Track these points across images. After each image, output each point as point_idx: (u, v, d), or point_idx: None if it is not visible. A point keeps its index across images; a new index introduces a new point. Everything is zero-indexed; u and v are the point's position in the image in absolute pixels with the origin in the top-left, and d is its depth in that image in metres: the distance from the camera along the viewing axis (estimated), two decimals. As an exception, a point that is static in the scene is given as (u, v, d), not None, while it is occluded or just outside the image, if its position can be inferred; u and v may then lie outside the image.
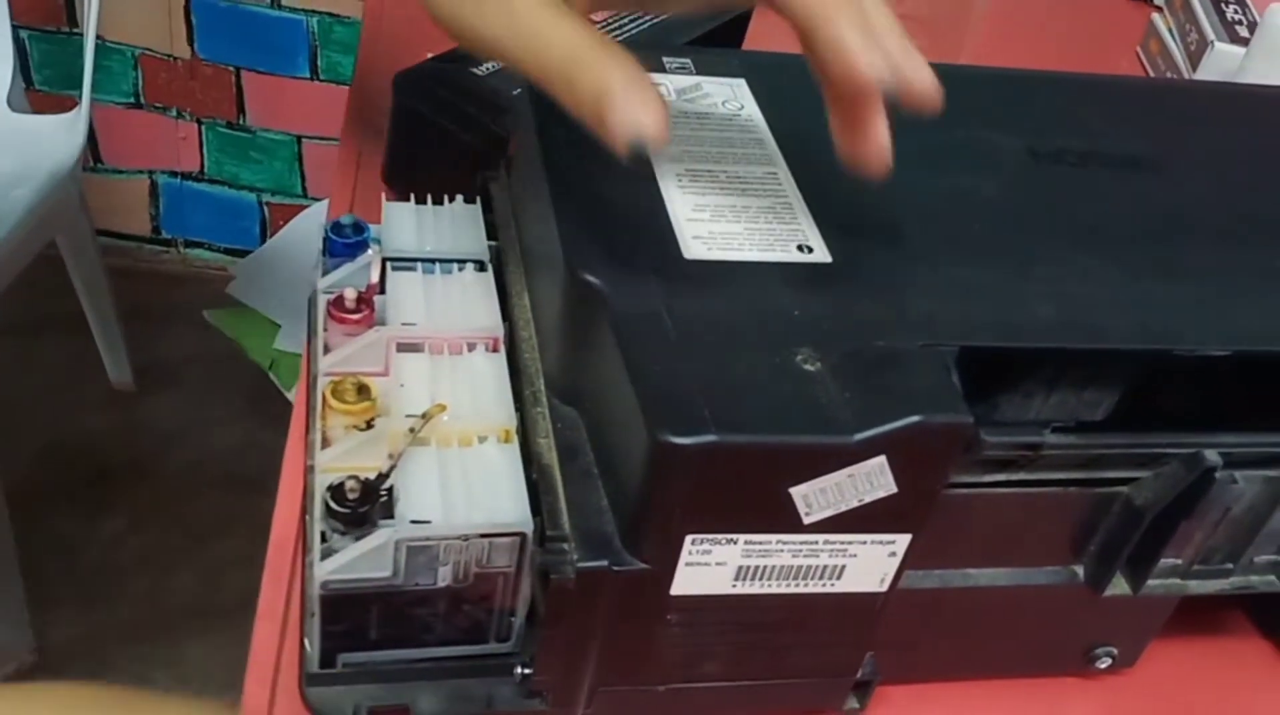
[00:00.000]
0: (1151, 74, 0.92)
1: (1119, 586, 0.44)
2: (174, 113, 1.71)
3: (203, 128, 1.73)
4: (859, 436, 0.36)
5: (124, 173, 1.77)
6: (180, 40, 1.65)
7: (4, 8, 1.32)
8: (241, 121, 1.72)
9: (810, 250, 0.42)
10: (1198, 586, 0.44)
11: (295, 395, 1.30)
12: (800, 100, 0.51)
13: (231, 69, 1.67)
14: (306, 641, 0.43)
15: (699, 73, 0.51)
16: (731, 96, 0.50)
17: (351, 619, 0.40)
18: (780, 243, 0.42)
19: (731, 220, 0.43)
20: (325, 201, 1.45)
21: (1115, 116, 0.53)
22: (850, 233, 0.43)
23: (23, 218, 1.21)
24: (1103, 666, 0.47)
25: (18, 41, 1.42)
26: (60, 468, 1.58)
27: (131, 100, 1.70)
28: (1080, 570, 0.44)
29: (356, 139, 0.68)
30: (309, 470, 0.45)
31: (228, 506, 1.56)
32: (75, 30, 1.64)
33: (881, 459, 0.36)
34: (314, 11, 1.62)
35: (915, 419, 0.36)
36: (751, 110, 0.49)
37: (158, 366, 1.70)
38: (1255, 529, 0.43)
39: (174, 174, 1.78)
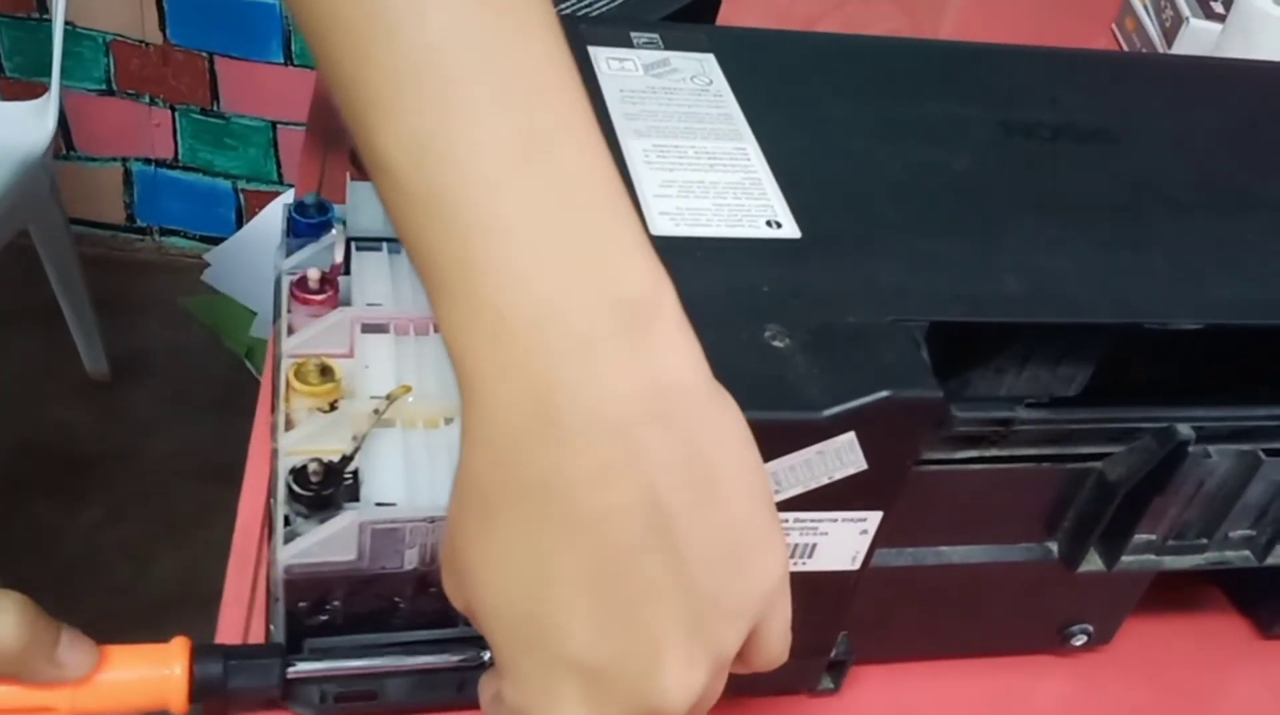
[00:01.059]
0: (1126, 50, 0.91)
1: (1093, 563, 0.44)
2: (147, 99, 1.70)
3: (176, 114, 1.71)
4: (828, 412, 0.35)
5: (97, 160, 1.75)
6: (152, 26, 1.63)
7: (-28, -6, 1.30)
8: (215, 108, 1.71)
9: (779, 226, 0.42)
10: (1172, 562, 0.44)
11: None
12: (769, 75, 0.51)
13: (204, 54, 1.66)
14: (272, 626, 0.42)
15: (667, 48, 0.50)
16: (700, 71, 0.49)
17: (316, 603, 0.40)
18: (749, 218, 0.42)
19: (699, 196, 0.42)
20: (300, 188, 1.43)
21: (1086, 90, 0.53)
22: (820, 208, 0.43)
23: (-8, 205, 1.19)
24: (1078, 644, 0.47)
25: (-13, 28, 1.41)
26: (37, 458, 1.57)
27: (104, 87, 1.68)
28: (1054, 547, 0.44)
29: (325, 120, 0.67)
30: (273, 453, 0.45)
31: (206, 496, 1.55)
32: (46, 17, 1.61)
33: (851, 435, 0.36)
34: (287, -5, 1.60)
35: (884, 394, 0.35)
36: (720, 85, 0.48)
37: (133, 356, 1.69)
38: (1229, 503, 0.43)
39: (148, 161, 1.76)
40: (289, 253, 0.48)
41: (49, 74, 1.66)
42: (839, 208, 0.43)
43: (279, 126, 1.72)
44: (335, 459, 0.39)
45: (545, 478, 0.31)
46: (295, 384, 0.42)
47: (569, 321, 0.30)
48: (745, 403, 0.34)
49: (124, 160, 1.76)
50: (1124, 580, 0.45)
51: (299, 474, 0.39)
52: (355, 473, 0.40)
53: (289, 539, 0.38)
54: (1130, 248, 0.44)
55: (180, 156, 1.75)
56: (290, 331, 0.45)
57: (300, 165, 0.64)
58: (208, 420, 1.65)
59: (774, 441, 0.35)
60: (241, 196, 1.78)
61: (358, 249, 0.48)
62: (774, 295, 0.39)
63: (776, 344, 0.37)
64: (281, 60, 1.65)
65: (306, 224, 0.48)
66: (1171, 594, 0.49)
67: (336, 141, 0.65)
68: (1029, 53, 0.55)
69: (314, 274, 0.46)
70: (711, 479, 0.32)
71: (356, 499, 0.40)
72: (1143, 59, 0.58)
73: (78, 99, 1.67)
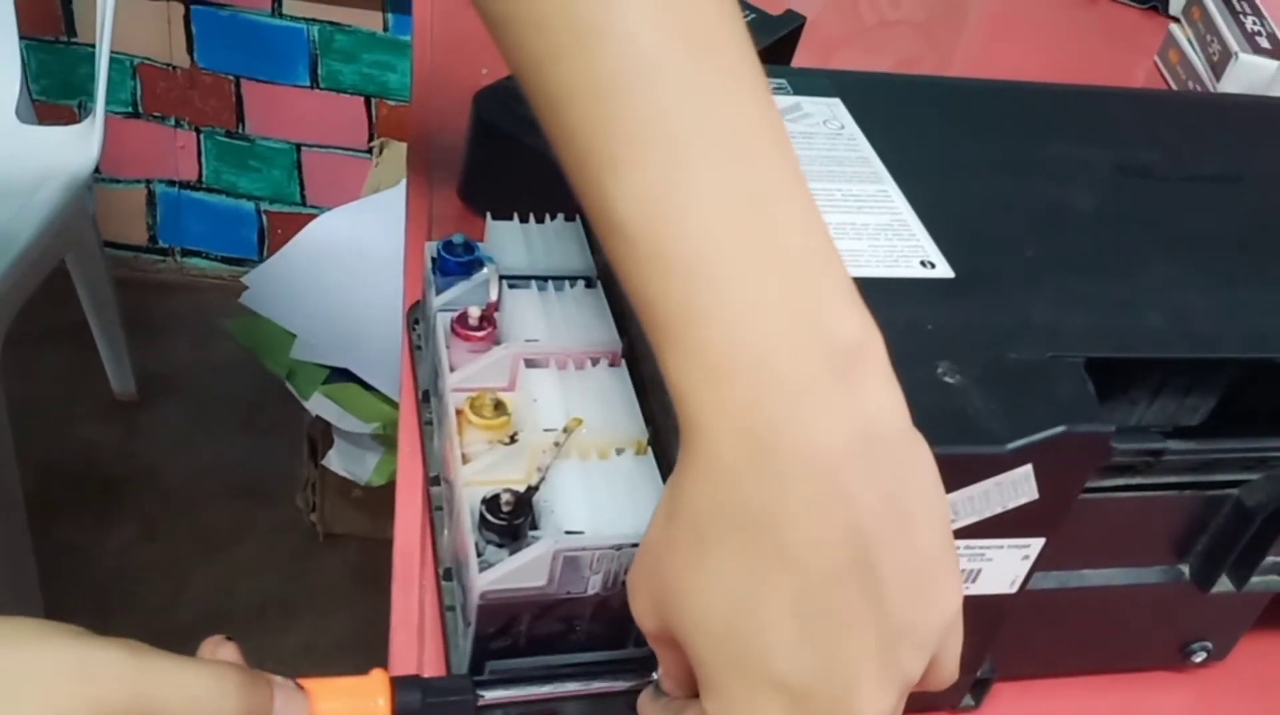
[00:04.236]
0: (1173, 84, 0.94)
1: (1222, 584, 0.46)
2: (172, 122, 1.71)
3: (201, 136, 1.73)
4: (1010, 447, 0.37)
5: (121, 182, 1.76)
6: (180, 49, 1.64)
7: (12, 19, 1.31)
8: (240, 130, 1.72)
9: (933, 266, 0.44)
10: (1295, 582, 0.47)
11: (310, 402, 1.29)
12: (893, 118, 0.53)
13: (231, 78, 1.67)
14: (452, 650, 0.44)
15: (796, 93, 0.52)
16: (831, 116, 0.51)
17: (504, 627, 0.42)
18: (903, 259, 0.44)
19: (854, 238, 0.45)
20: (337, 210, 1.45)
21: (1191, 131, 0.55)
22: (965, 248, 0.45)
23: (41, 229, 1.20)
24: (1198, 660, 0.49)
25: (16, 52, 1.41)
26: (68, 478, 1.57)
27: (130, 110, 1.69)
28: (1185, 569, 0.46)
29: (425, 157, 0.69)
30: (445, 483, 0.47)
31: (235, 514, 1.56)
32: (75, 40, 1.63)
33: (1028, 467, 0.38)
34: (315, 20, 1.62)
35: (1061, 429, 0.38)
36: (852, 129, 0.51)
37: (157, 376, 1.69)
38: (1350, 526, 0.45)
39: (171, 183, 1.77)
40: (439, 291, 0.50)
41: (75, 97, 1.68)
42: (982, 247, 0.46)
43: (303, 149, 1.73)
44: (520, 489, 0.41)
45: (759, 511, 0.33)
46: (471, 417, 0.44)
47: (785, 368, 0.33)
48: (932, 438, 0.36)
49: (148, 182, 1.77)
50: (1246, 600, 0.48)
51: (490, 504, 0.41)
52: (532, 504, 0.42)
53: (483, 567, 0.40)
54: (1255, 284, 0.46)
55: (204, 178, 1.76)
56: (452, 368, 0.47)
57: (410, 204, 0.66)
58: (233, 439, 1.66)
59: (957, 474, 0.38)
60: (264, 218, 1.80)
61: (507, 287, 0.50)
62: (938, 334, 0.41)
63: (949, 380, 0.39)
64: (307, 83, 1.67)
65: (456, 263, 0.50)
66: (1277, 610, 0.51)
67: (440, 177, 0.67)
68: (1131, 95, 0.58)
69: (474, 311, 0.48)
70: (906, 516, 0.34)
71: (537, 527, 0.42)
72: (1236, 100, 0.61)
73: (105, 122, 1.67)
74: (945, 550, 0.36)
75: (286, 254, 1.41)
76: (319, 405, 1.28)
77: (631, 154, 0.33)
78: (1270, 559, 0.46)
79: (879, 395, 0.34)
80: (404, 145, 1.49)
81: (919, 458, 0.35)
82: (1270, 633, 0.52)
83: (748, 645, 0.34)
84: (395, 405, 1.20)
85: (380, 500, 1.49)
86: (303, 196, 1.78)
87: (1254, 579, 0.46)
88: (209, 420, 1.69)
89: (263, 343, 1.34)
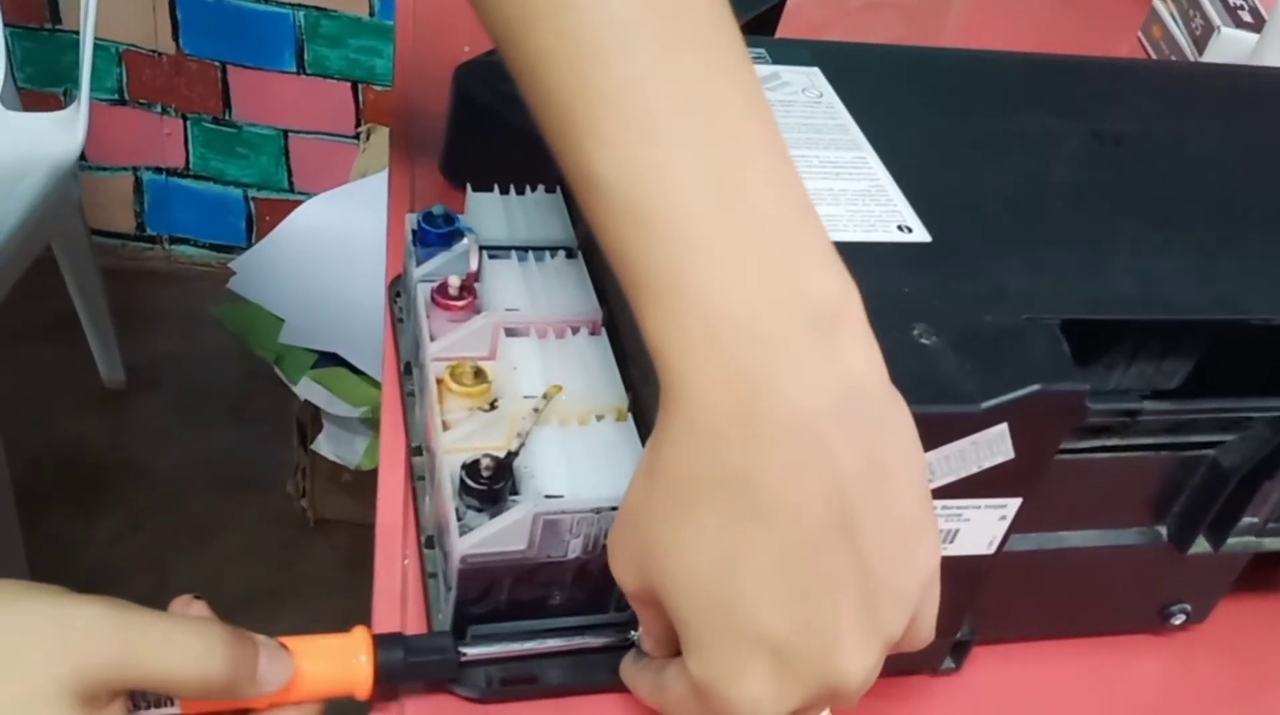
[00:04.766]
0: (1157, 58, 0.94)
1: (1200, 545, 0.46)
2: (159, 109, 1.70)
3: (188, 123, 1.72)
4: (985, 405, 0.38)
5: (108, 170, 1.75)
6: (165, 36, 1.63)
7: (-4, 5, 1.31)
8: (227, 116, 1.72)
9: (910, 230, 0.44)
10: (1272, 543, 0.47)
11: (299, 387, 1.29)
12: (874, 87, 0.53)
13: (217, 64, 1.67)
14: (437, 615, 0.44)
15: (774, 62, 0.52)
16: (809, 84, 0.51)
17: (484, 592, 0.42)
18: (880, 224, 0.44)
19: (831, 203, 0.45)
20: (325, 195, 1.44)
21: (1169, 100, 0.56)
22: (942, 214, 0.45)
23: (26, 215, 1.20)
24: (1177, 623, 0.50)
25: (-1, 39, 1.41)
26: (55, 469, 1.57)
27: (116, 97, 1.69)
28: (1163, 530, 0.47)
29: (408, 134, 0.69)
30: (427, 451, 0.47)
31: (223, 504, 1.56)
32: (59, 27, 1.62)
33: (1003, 426, 0.38)
34: (301, 5, 1.61)
35: (1035, 388, 0.38)
36: (831, 98, 0.51)
37: (145, 366, 1.69)
38: (1326, 487, 0.46)
39: (159, 170, 1.77)
40: (419, 262, 0.50)
41: (60, 84, 1.68)
42: (959, 213, 0.46)
43: (290, 135, 1.73)
44: (501, 455, 0.42)
45: (741, 470, 0.33)
46: (452, 385, 0.44)
47: (766, 327, 0.33)
48: (908, 398, 0.37)
49: (135, 169, 1.76)
50: (1224, 561, 0.48)
51: (470, 469, 0.41)
52: (513, 469, 0.42)
53: (463, 532, 0.40)
54: (1228, 250, 0.47)
55: (191, 165, 1.76)
56: (432, 337, 0.47)
57: (392, 180, 0.66)
58: (222, 429, 1.66)
59: (932, 433, 0.38)
60: (252, 205, 1.80)
61: (487, 257, 0.50)
62: (915, 296, 0.41)
63: (925, 342, 0.40)
64: (294, 69, 1.67)
65: (436, 234, 0.50)
66: (1257, 576, 0.51)
67: (423, 154, 0.67)
68: (1107, 65, 0.58)
69: (454, 281, 0.48)
70: (887, 474, 0.34)
71: (516, 493, 0.42)
72: (1215, 70, 0.61)
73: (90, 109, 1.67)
74: (924, 508, 0.36)
75: (274, 239, 1.41)
76: (307, 390, 1.29)
77: (610, 116, 0.34)
78: (1247, 520, 0.46)
79: (859, 354, 0.34)
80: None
81: (898, 416, 0.35)
82: (1248, 596, 0.52)
83: (731, 603, 0.34)
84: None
85: (370, 484, 1.48)
86: (290, 183, 1.77)
87: (1231, 540, 0.46)
88: (197, 410, 1.68)
89: (251, 328, 1.34)
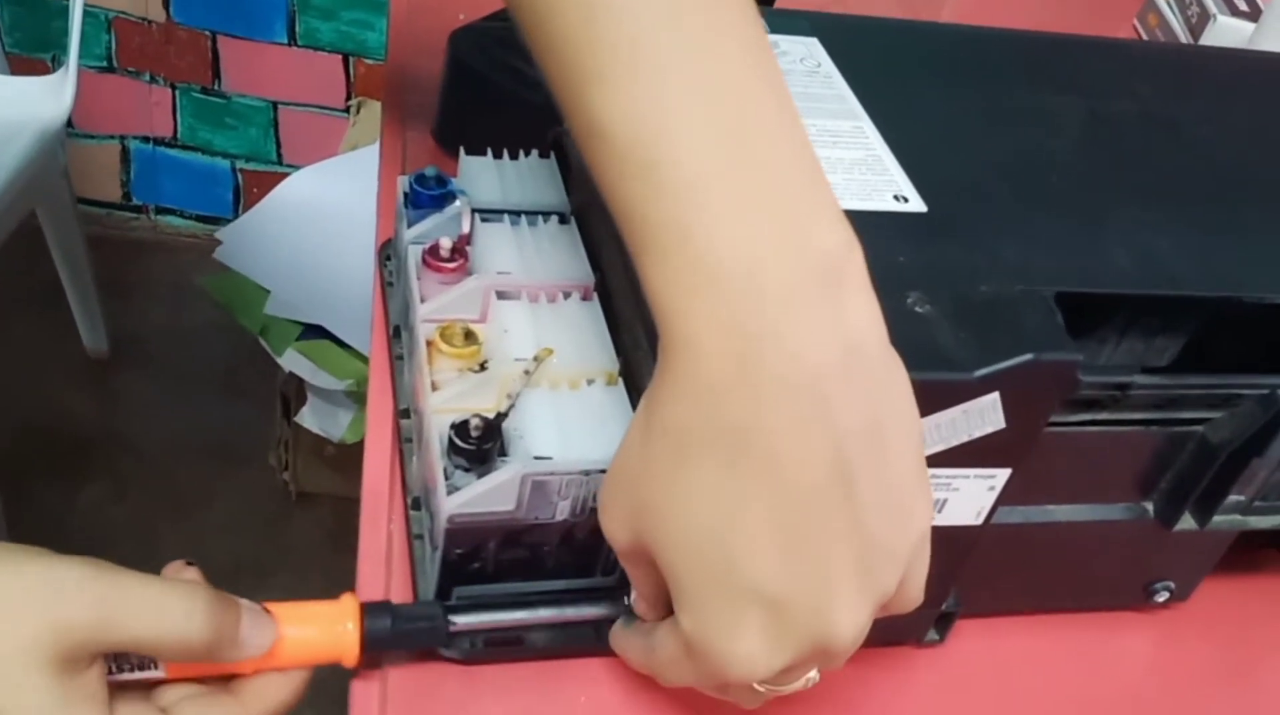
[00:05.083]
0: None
1: (1186, 522, 0.46)
2: (147, 77, 1.69)
3: (177, 93, 1.71)
4: (979, 373, 0.38)
5: (95, 138, 1.74)
6: (155, 3, 1.62)
7: (-17, -32, 1.29)
8: (216, 87, 1.70)
9: (906, 200, 0.44)
10: (1257, 522, 0.47)
11: (284, 358, 1.28)
12: (873, 59, 0.53)
13: (207, 33, 1.65)
14: (420, 577, 0.44)
15: (772, 31, 0.52)
16: (808, 54, 0.51)
17: (471, 552, 0.42)
18: (877, 193, 0.44)
19: (829, 171, 0.44)
20: (314, 167, 1.44)
21: (1165, 80, 0.56)
22: (938, 185, 0.45)
23: (10, 180, 1.19)
24: (1160, 601, 0.50)
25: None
26: (39, 439, 1.56)
27: (104, 64, 1.67)
28: (1150, 506, 0.47)
29: (400, 99, 0.69)
30: (415, 413, 0.46)
31: (209, 476, 1.56)
32: (48, -8, 1.61)
33: (995, 395, 0.38)
34: (293, -24, 1.60)
35: (1028, 357, 0.38)
36: (829, 68, 0.51)
37: (131, 336, 1.68)
38: (1312, 467, 0.46)
39: (146, 139, 1.75)
40: (411, 224, 0.50)
41: (48, 50, 1.66)
42: (955, 185, 0.46)
43: (280, 107, 1.72)
44: (490, 416, 0.41)
45: (741, 425, 0.33)
46: (442, 346, 0.44)
47: (770, 279, 0.33)
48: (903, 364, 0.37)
49: (122, 138, 1.75)
50: (1209, 539, 0.48)
51: (459, 429, 0.40)
52: (502, 430, 0.42)
53: (450, 491, 0.40)
54: (1223, 228, 0.47)
55: (179, 135, 1.75)
56: (422, 299, 0.47)
57: (384, 145, 0.65)
58: (208, 400, 1.66)
59: (925, 400, 0.37)
60: (240, 176, 1.79)
61: (480, 220, 0.50)
62: (910, 265, 0.41)
63: (919, 310, 0.39)
64: (285, 40, 1.66)
65: (428, 195, 0.50)
66: (1237, 555, 0.52)
67: (416, 120, 0.67)
68: (1106, 44, 0.58)
69: (446, 243, 0.47)
70: (885, 433, 0.34)
71: (506, 454, 0.41)
72: (1211, 52, 0.61)
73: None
74: (919, 467, 0.36)
75: (262, 209, 1.40)
76: (292, 361, 1.28)
77: (619, 65, 0.33)
78: (1233, 498, 0.46)
79: (861, 309, 0.34)
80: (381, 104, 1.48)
81: (897, 376, 0.35)
82: (1232, 576, 0.53)
83: (728, 558, 0.34)
84: (368, 361, 1.19)
85: (353, 458, 1.48)
86: (279, 155, 1.76)
87: (1216, 517, 0.46)
88: (182, 382, 1.68)
89: (237, 298, 1.33)
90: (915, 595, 0.38)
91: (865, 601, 0.35)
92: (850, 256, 0.34)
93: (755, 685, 0.36)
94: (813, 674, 0.37)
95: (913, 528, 0.36)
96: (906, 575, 0.37)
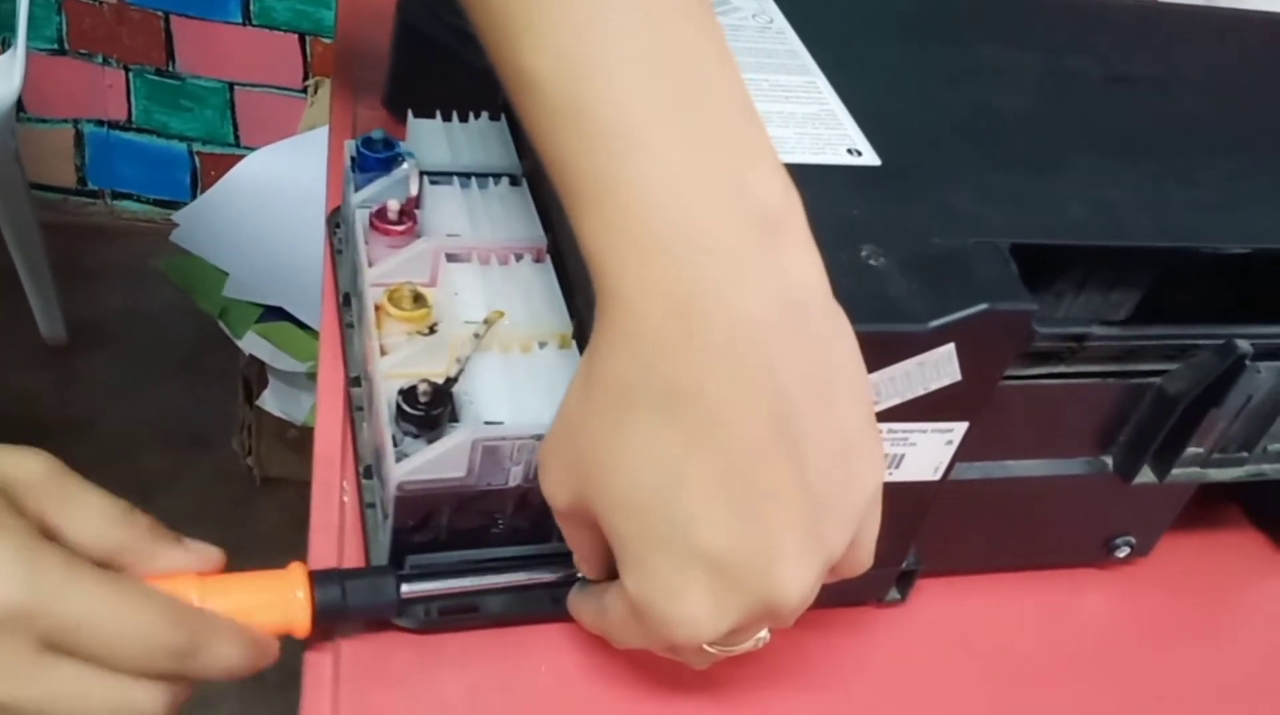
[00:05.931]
0: None
1: (1145, 475, 0.46)
2: (100, 59, 1.66)
3: (130, 75, 1.68)
4: (932, 325, 0.37)
5: (48, 122, 1.71)
6: (106, -17, 1.60)
7: (-74, -54, 1.27)
8: (171, 68, 1.68)
9: (859, 154, 0.43)
10: (1216, 474, 0.47)
11: (244, 341, 1.26)
12: (826, 14, 0.52)
13: (160, 14, 1.63)
14: (372, 546, 0.43)
15: (724, -12, 0.51)
16: (760, 10, 0.50)
17: (423, 520, 0.41)
18: (830, 147, 0.43)
19: (780, 126, 0.44)
20: (270, 147, 1.42)
21: (1125, 37, 0.55)
22: (893, 139, 0.45)
23: (-41, 164, 1.17)
24: (1121, 556, 0.50)
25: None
26: (-3, 425, 1.54)
27: (55, 47, 1.64)
28: (1109, 460, 0.46)
29: (351, 72, 0.67)
30: (365, 379, 0.46)
31: (169, 460, 1.54)
32: (-5, -27, 1.58)
33: (950, 346, 0.38)
34: (246, -46, 1.58)
35: (983, 307, 0.37)
36: (781, 23, 0.50)
37: (88, 322, 1.66)
38: (1271, 418, 0.46)
39: (100, 123, 1.73)
40: (358, 188, 0.49)
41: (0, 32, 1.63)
42: (909, 139, 0.45)
43: (236, 88, 1.70)
44: (439, 381, 0.40)
45: (683, 383, 0.32)
46: (390, 309, 0.43)
47: (709, 233, 0.32)
48: (854, 317, 0.36)
49: (75, 122, 1.72)
50: (1168, 493, 0.48)
51: (407, 395, 0.40)
52: (452, 395, 0.41)
53: (399, 458, 0.39)
54: (1179, 181, 0.46)
55: (134, 118, 1.72)
56: (370, 263, 0.46)
57: (334, 114, 0.64)
58: (168, 386, 1.64)
59: (878, 353, 0.37)
60: (197, 159, 1.76)
61: (429, 183, 0.49)
62: (864, 218, 0.41)
63: (873, 263, 0.39)
64: (239, 20, 1.63)
65: (375, 159, 0.49)
66: (1198, 511, 0.51)
67: (366, 90, 0.66)
68: (1066, 1, 0.57)
69: (394, 205, 0.46)
70: (830, 388, 0.34)
71: (457, 419, 0.41)
72: (1172, 9, 0.60)
73: (28, 59, 1.63)
74: (867, 424, 0.35)
75: (218, 191, 1.38)
76: (252, 344, 1.27)
77: (549, 12, 0.32)
78: (1191, 450, 0.46)
79: (802, 262, 0.34)
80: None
81: (841, 330, 0.34)
82: (1193, 532, 0.53)
83: (671, 518, 0.33)
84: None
85: (318, 442, 1.48)
86: (236, 137, 1.74)
87: (1175, 470, 0.46)
88: (144, 367, 1.66)
89: (195, 281, 1.32)
90: (865, 556, 0.37)
91: (812, 562, 0.34)
92: (788, 206, 0.33)
93: (705, 646, 0.36)
94: (763, 634, 0.37)
95: (861, 487, 0.35)
96: (856, 537, 0.36)
